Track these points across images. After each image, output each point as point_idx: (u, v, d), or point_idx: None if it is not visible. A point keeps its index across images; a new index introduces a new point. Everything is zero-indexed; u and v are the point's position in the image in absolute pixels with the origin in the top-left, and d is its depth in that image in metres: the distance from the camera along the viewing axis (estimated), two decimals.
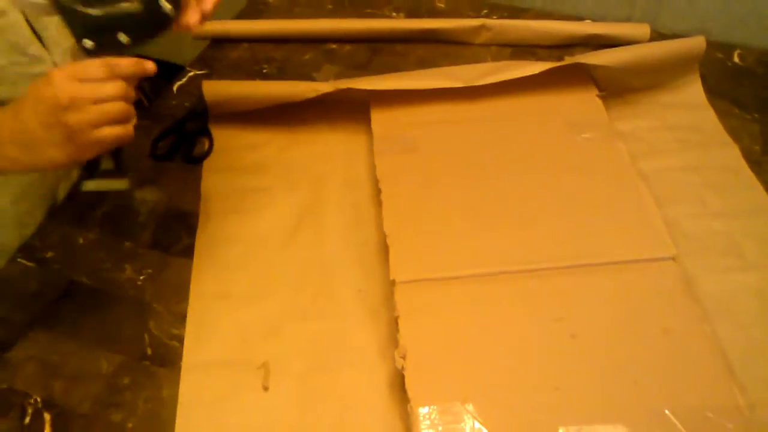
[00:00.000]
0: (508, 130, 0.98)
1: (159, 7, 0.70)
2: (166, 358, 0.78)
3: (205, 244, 0.89)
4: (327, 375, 0.76)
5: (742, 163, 0.95)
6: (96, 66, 0.65)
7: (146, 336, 0.80)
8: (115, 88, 0.66)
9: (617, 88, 1.03)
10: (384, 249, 0.83)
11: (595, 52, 1.04)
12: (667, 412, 0.68)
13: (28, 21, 0.81)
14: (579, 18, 1.21)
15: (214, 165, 0.99)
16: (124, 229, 0.91)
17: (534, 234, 0.84)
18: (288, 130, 1.03)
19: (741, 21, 1.16)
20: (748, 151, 0.97)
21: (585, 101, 1.01)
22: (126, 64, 0.66)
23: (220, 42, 1.19)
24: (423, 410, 0.69)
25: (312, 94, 0.98)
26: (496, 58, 1.14)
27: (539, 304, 0.77)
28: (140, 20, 0.69)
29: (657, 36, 1.16)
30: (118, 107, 0.66)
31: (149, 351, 0.79)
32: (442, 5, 1.26)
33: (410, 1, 1.27)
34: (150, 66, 0.68)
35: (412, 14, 1.25)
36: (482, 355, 0.74)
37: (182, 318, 0.81)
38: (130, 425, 0.73)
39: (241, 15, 1.26)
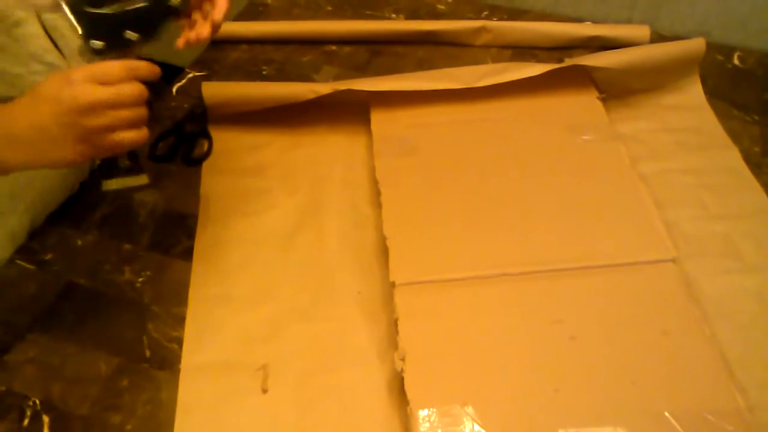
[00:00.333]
0: (508, 131, 0.98)
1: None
2: (165, 361, 0.78)
3: (204, 246, 0.88)
4: (326, 377, 0.76)
5: (742, 165, 0.95)
6: (116, 69, 0.65)
7: (145, 338, 0.80)
8: (133, 91, 0.66)
9: (617, 90, 1.03)
10: (384, 251, 0.83)
11: (595, 54, 1.04)
12: (666, 414, 0.68)
13: (45, 30, 0.82)
14: (579, 20, 1.21)
15: (214, 167, 0.98)
16: (124, 231, 0.91)
17: (534, 236, 0.84)
18: (288, 131, 1.03)
19: (741, 23, 1.16)
20: (748, 153, 0.97)
21: (585, 103, 1.00)
22: (144, 66, 0.67)
23: (219, 43, 1.19)
24: (422, 412, 0.69)
25: (311, 96, 0.98)
26: (496, 60, 1.14)
27: (539, 306, 0.77)
28: (148, 15, 0.69)
29: (657, 38, 1.16)
30: (135, 112, 0.66)
31: (148, 353, 0.79)
32: (443, 7, 1.26)
33: (410, 2, 1.27)
34: (157, 69, 0.68)
35: (412, 16, 1.25)
36: (482, 357, 0.74)
37: (181, 320, 0.81)
38: (128, 427, 0.73)
39: (241, 16, 1.26)
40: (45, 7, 0.67)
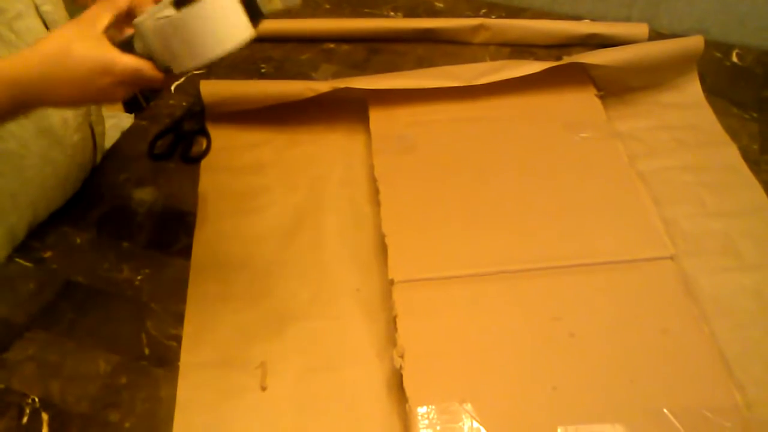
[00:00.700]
0: (507, 129, 0.98)
1: None
2: (164, 358, 0.78)
3: (203, 244, 0.88)
4: (325, 374, 0.76)
5: (741, 163, 0.95)
6: (150, 81, 0.68)
7: (144, 336, 0.80)
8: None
9: (615, 87, 1.03)
10: (382, 249, 0.83)
11: (593, 52, 1.04)
12: (665, 411, 0.68)
13: (45, 23, 0.82)
14: (577, 18, 1.21)
15: (212, 165, 0.98)
16: (122, 229, 0.91)
17: (532, 233, 0.84)
18: (286, 129, 1.03)
19: (739, 21, 1.16)
20: (746, 151, 0.97)
21: (583, 101, 1.01)
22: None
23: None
24: (421, 410, 0.69)
25: (310, 94, 0.98)
26: (494, 58, 1.14)
27: (537, 303, 0.77)
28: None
29: (655, 36, 1.16)
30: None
31: (147, 351, 0.79)
32: (441, 5, 1.26)
33: (408, 0, 1.27)
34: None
35: (410, 14, 1.25)
36: (480, 354, 0.74)
37: (180, 318, 0.81)
38: (127, 425, 0.73)
39: None
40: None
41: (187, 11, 0.64)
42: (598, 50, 1.05)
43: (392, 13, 1.25)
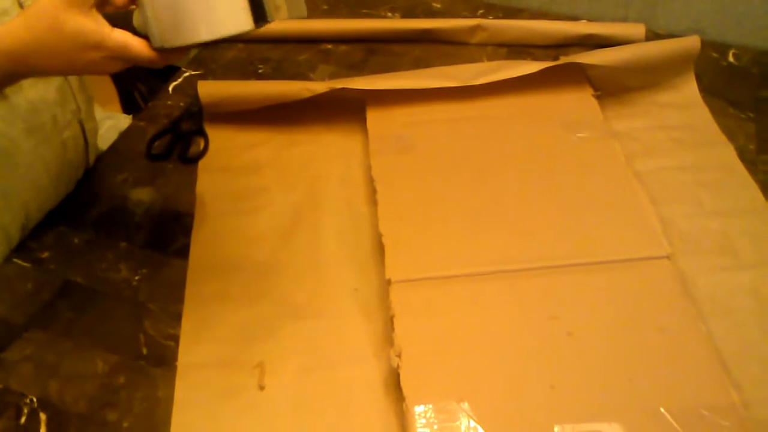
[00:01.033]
0: (504, 129, 0.98)
1: None
2: (162, 358, 0.78)
3: (200, 244, 0.88)
4: (322, 374, 0.76)
5: (737, 163, 0.95)
6: (143, 59, 0.67)
7: (142, 336, 0.80)
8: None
9: (612, 87, 1.03)
10: (379, 248, 0.83)
11: (590, 52, 1.04)
12: (662, 410, 0.68)
13: None
14: (574, 18, 1.21)
15: (210, 165, 0.99)
16: (120, 230, 0.91)
17: (529, 233, 0.84)
18: (284, 130, 1.03)
19: (736, 21, 1.16)
20: (743, 151, 0.97)
21: (580, 101, 1.01)
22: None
23: (215, 42, 1.19)
24: (418, 409, 0.69)
25: (307, 94, 0.98)
26: (491, 58, 1.15)
27: (534, 302, 0.78)
28: None
29: (652, 36, 1.16)
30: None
31: (145, 351, 0.79)
32: (438, 5, 1.27)
33: (406, 1, 1.28)
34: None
35: (407, 14, 1.25)
36: (478, 353, 0.74)
37: (178, 318, 0.81)
38: (125, 425, 0.73)
39: None
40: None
41: None
42: (595, 50, 1.05)
43: (390, 14, 1.25)
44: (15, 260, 0.87)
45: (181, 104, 1.08)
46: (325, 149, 1.00)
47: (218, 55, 1.17)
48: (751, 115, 1.03)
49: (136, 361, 0.78)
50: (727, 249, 0.85)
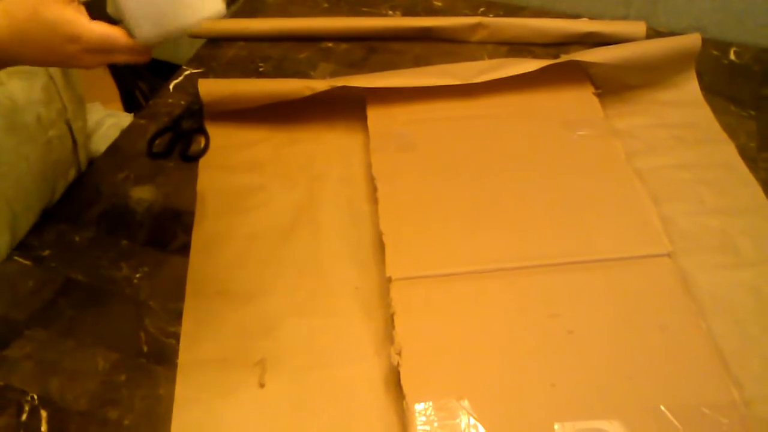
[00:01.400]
0: (505, 127, 0.98)
1: None
2: (163, 356, 0.78)
3: (201, 242, 0.89)
4: (323, 372, 0.76)
5: (738, 161, 0.95)
6: (122, 51, 0.66)
7: (142, 334, 0.80)
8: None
9: (613, 85, 1.03)
10: (380, 246, 0.83)
11: (591, 50, 1.04)
12: (662, 407, 0.68)
13: None
14: (575, 16, 1.21)
15: (211, 163, 0.99)
16: (121, 228, 0.91)
17: (530, 231, 0.84)
18: (284, 128, 1.03)
19: (737, 19, 1.16)
20: (744, 149, 0.97)
21: (581, 99, 1.01)
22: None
23: (216, 40, 1.19)
24: (418, 406, 0.69)
25: (308, 92, 0.98)
26: (492, 56, 1.15)
27: (535, 300, 0.78)
28: None
29: (653, 34, 1.16)
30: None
31: (145, 348, 0.79)
32: (439, 3, 1.27)
33: None
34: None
35: (408, 12, 1.25)
36: (478, 351, 0.74)
37: (178, 316, 0.81)
38: (126, 422, 0.73)
39: (237, 14, 1.26)
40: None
41: None
42: (595, 48, 1.05)
43: (390, 12, 1.25)
44: (16, 258, 0.87)
45: (182, 102, 1.08)
46: (326, 147, 1.00)
47: (219, 54, 1.17)
48: (752, 113, 1.03)
49: (137, 358, 0.78)
50: (727, 247, 0.85)
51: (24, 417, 0.73)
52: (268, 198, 0.94)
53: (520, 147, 0.95)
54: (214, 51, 1.18)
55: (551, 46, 1.16)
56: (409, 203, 0.88)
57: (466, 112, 1.00)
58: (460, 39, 1.18)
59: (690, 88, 1.05)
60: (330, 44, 1.19)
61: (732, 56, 1.13)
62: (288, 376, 0.76)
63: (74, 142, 0.96)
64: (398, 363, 0.72)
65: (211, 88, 1.03)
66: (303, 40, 1.19)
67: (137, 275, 0.86)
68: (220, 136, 1.02)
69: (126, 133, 1.05)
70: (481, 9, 1.24)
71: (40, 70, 0.88)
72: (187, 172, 0.97)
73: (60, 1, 0.64)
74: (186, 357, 0.78)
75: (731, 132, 0.99)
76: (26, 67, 0.84)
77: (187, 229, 0.90)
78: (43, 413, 0.73)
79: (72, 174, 0.97)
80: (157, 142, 1.01)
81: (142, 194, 0.95)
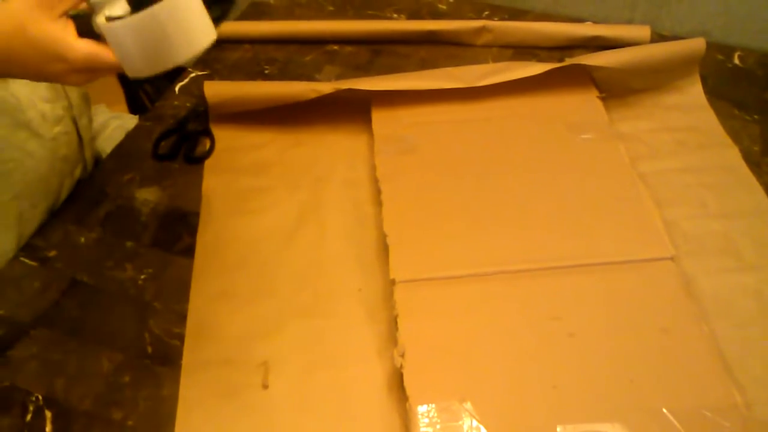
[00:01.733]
0: (509, 130, 0.98)
1: None
2: (167, 357, 0.78)
3: (206, 244, 0.89)
4: (326, 373, 0.76)
5: (742, 165, 0.95)
6: (109, 69, 0.65)
7: (147, 335, 0.80)
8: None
9: (617, 89, 1.04)
10: (384, 249, 0.84)
11: (595, 54, 1.04)
12: (664, 410, 0.68)
13: None
14: (580, 20, 1.21)
15: (216, 165, 0.99)
16: (126, 229, 0.91)
17: (533, 234, 0.84)
18: (289, 130, 1.03)
19: (741, 23, 1.16)
20: (747, 153, 0.97)
21: (585, 102, 1.01)
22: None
23: (221, 43, 1.20)
24: (421, 408, 0.69)
25: (313, 95, 0.99)
26: (497, 60, 1.15)
27: (538, 303, 0.78)
28: None
29: (657, 38, 1.16)
30: None
31: (150, 349, 0.79)
32: (444, 7, 1.27)
33: (411, 2, 1.28)
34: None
35: (413, 16, 1.25)
36: (480, 353, 0.74)
37: (183, 317, 0.81)
38: (130, 423, 0.73)
39: (243, 16, 1.27)
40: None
41: (144, 14, 0.59)
42: (600, 52, 1.05)
43: (395, 15, 1.26)
44: (22, 259, 0.88)
45: (188, 104, 1.08)
46: (331, 149, 1.01)
47: (224, 56, 1.18)
48: (756, 117, 1.03)
49: (142, 359, 0.78)
50: (730, 251, 0.85)
51: (29, 417, 0.74)
52: (273, 200, 0.94)
53: (524, 150, 0.95)
54: (220, 53, 1.18)
55: (556, 49, 1.16)
56: (413, 205, 0.88)
57: (470, 115, 1.00)
58: (464, 42, 1.18)
59: (694, 92, 1.05)
60: (335, 47, 1.19)
61: (736, 60, 1.13)
62: (291, 377, 0.76)
63: (80, 139, 0.96)
64: (401, 365, 0.72)
65: (216, 90, 1.03)
66: (308, 43, 1.20)
67: (142, 276, 0.86)
68: (226, 139, 1.02)
69: (131, 134, 1.05)
70: (486, 12, 1.24)
71: None
72: (192, 174, 0.98)
73: (48, 17, 0.61)
74: (190, 358, 0.78)
75: (735, 136, 0.99)
76: None
77: (192, 231, 0.90)
78: (48, 413, 0.74)
79: (78, 171, 0.98)
80: (162, 143, 1.02)
81: (148, 196, 0.95)
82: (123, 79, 1.48)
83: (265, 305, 0.82)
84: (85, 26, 0.63)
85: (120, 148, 1.03)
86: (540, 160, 0.94)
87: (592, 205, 0.87)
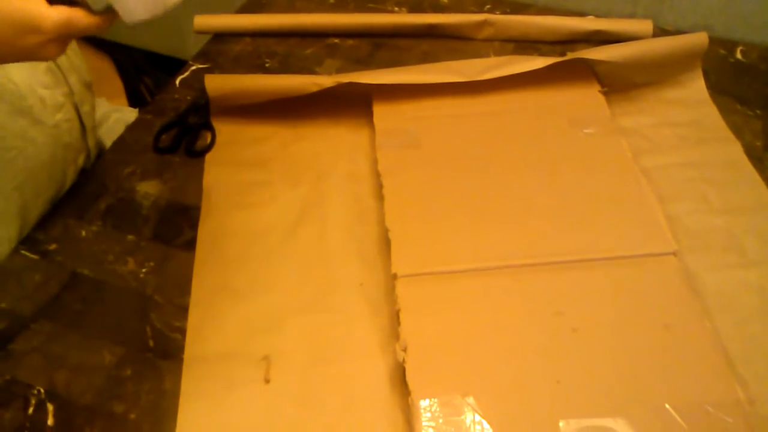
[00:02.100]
0: (510, 124, 0.98)
1: None
2: (168, 351, 0.78)
3: (207, 238, 0.89)
4: (328, 368, 0.76)
5: (744, 160, 0.95)
6: (83, 31, 0.62)
7: (148, 328, 0.80)
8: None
9: (620, 83, 1.03)
10: (386, 243, 0.83)
11: (597, 48, 1.04)
12: (667, 406, 0.68)
13: None
14: (582, 14, 1.21)
15: (217, 158, 0.99)
16: (127, 222, 0.91)
17: (535, 228, 0.84)
18: (290, 124, 1.03)
19: (744, 18, 1.16)
20: (750, 148, 0.97)
21: (587, 97, 1.01)
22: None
23: (222, 36, 1.19)
24: (423, 403, 0.69)
25: (314, 88, 0.98)
26: (498, 54, 1.14)
27: (540, 298, 0.78)
28: None
29: (660, 32, 1.16)
30: None
31: (151, 343, 0.79)
32: (445, 0, 1.27)
33: None
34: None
35: (414, 9, 1.25)
36: (483, 348, 0.74)
37: (184, 311, 0.81)
38: (132, 416, 0.73)
39: (243, 9, 1.26)
40: None
41: None
42: (602, 46, 1.05)
43: (396, 9, 1.25)
44: (22, 252, 0.88)
45: (188, 97, 1.08)
46: (332, 143, 1.00)
47: (225, 49, 1.17)
48: (759, 112, 1.03)
49: (143, 353, 0.78)
50: (733, 246, 0.85)
51: (30, 410, 0.74)
52: (274, 194, 0.94)
53: (526, 144, 0.95)
54: (221, 46, 1.18)
55: (558, 43, 1.16)
56: (415, 200, 0.88)
57: (472, 109, 1.00)
58: (466, 36, 1.18)
59: (696, 86, 1.05)
60: (336, 40, 1.19)
61: (739, 55, 1.13)
62: (293, 371, 0.76)
63: (83, 126, 0.96)
64: (403, 359, 0.72)
65: (217, 83, 1.03)
66: (309, 36, 1.19)
67: (143, 270, 0.86)
68: (226, 132, 1.02)
69: (132, 128, 1.05)
70: (488, 6, 1.24)
71: None
72: (193, 167, 0.98)
73: None
74: (192, 352, 0.78)
75: (737, 131, 0.99)
76: None
77: (193, 224, 0.90)
78: (50, 407, 0.74)
79: (82, 159, 0.97)
80: (163, 137, 1.02)
81: (149, 189, 0.95)
82: (123, 71, 1.48)
83: (267, 299, 0.82)
84: None
85: (120, 142, 1.03)
86: (542, 154, 0.94)
87: (594, 200, 0.87)
